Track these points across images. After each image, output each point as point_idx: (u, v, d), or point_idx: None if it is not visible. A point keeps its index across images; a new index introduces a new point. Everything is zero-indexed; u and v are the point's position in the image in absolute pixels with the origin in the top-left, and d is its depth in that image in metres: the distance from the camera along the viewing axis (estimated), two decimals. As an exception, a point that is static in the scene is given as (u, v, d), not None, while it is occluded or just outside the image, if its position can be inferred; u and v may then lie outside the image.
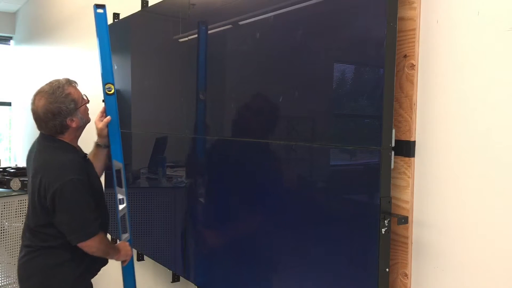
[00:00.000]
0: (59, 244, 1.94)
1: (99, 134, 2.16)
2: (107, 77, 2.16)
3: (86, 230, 1.89)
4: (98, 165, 2.16)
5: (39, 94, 1.93)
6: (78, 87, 2.03)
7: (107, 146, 2.17)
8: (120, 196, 2.18)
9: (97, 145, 2.18)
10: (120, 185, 2.17)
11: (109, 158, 2.20)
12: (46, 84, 1.96)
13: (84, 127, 2.05)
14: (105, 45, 2.18)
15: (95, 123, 2.16)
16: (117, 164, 2.16)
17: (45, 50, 5.28)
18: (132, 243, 2.22)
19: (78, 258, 1.97)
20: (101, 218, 1.99)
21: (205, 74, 2.05)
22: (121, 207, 2.17)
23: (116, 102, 2.17)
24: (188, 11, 2.12)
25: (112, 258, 2.10)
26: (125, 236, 2.20)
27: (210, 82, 2.04)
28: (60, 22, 4.68)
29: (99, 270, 2.14)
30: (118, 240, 2.27)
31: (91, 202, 1.92)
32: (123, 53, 2.87)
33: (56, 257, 1.95)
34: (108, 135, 2.14)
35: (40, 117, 1.92)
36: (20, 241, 2.10)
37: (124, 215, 2.18)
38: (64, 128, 1.94)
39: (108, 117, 2.13)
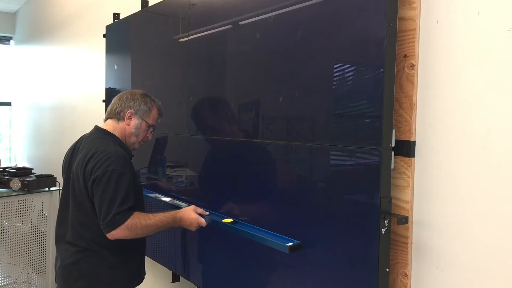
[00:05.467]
0: (105, 244, 1.86)
1: None
2: None
3: (111, 219, 1.76)
4: None
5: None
6: (159, 119, 2.10)
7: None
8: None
9: None
10: None
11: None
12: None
13: (137, 140, 2.02)
14: None
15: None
16: None
17: (45, 50, 5.28)
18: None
19: (125, 263, 1.93)
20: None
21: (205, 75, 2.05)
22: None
23: None
24: (188, 11, 2.12)
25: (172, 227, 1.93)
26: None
27: (210, 82, 2.04)
28: (60, 22, 4.68)
29: (143, 276, 2.07)
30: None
31: (123, 196, 1.80)
32: (123, 53, 2.87)
33: (104, 261, 1.88)
34: None
35: (121, 96, 2.03)
36: (21, 241, 2.05)
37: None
38: (121, 117, 1.99)
39: None
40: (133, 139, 2.01)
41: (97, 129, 2.01)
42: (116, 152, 1.86)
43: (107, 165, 1.80)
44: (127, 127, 1.98)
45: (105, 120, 2.04)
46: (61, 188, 3.76)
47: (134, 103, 1.98)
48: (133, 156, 2.01)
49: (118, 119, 1.99)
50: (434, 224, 1.28)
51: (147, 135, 2.04)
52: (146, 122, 2.00)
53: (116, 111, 1.99)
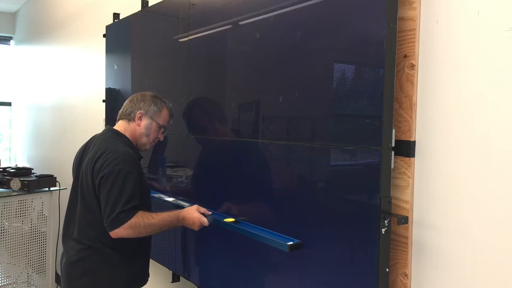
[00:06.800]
0: (110, 244, 1.88)
1: None
2: None
3: (115, 217, 1.78)
4: None
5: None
6: (171, 120, 2.11)
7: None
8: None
9: None
10: None
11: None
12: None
13: (148, 141, 2.03)
14: None
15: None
16: None
17: (45, 50, 5.27)
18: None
19: (129, 263, 1.95)
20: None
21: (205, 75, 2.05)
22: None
23: None
24: (188, 11, 2.12)
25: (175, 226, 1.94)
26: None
27: (211, 83, 2.04)
28: (60, 22, 4.68)
29: (147, 278, 2.08)
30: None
31: (128, 195, 1.81)
32: (123, 53, 2.87)
33: (107, 259, 1.91)
34: None
35: (132, 98, 2.06)
36: (21, 241, 2.05)
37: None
38: (132, 118, 2.02)
39: None
40: (144, 139, 2.02)
41: (108, 129, 2.05)
42: (125, 152, 1.88)
43: (115, 164, 1.82)
44: (138, 127, 2.01)
45: (117, 121, 2.07)
46: (61, 188, 3.79)
47: (144, 104, 2.01)
48: (142, 157, 2.03)
49: (129, 120, 2.02)
50: (434, 224, 1.28)
51: (158, 135, 2.06)
52: (156, 122, 2.02)
53: (127, 112, 2.03)
